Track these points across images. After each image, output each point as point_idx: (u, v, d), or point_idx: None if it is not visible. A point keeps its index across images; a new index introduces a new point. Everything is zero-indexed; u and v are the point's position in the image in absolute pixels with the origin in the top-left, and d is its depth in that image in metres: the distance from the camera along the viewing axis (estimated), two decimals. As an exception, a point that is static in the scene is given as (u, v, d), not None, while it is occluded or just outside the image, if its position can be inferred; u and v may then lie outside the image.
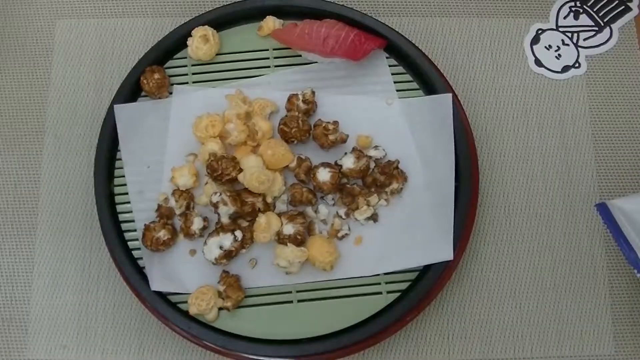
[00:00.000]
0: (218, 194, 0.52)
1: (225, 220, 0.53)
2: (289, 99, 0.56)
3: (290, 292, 0.53)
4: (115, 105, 0.56)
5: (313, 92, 0.56)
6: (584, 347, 0.56)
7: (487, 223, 0.58)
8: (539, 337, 0.56)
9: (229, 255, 0.52)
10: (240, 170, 0.53)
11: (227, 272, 0.53)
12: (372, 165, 0.55)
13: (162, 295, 0.53)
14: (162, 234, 0.53)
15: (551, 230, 0.58)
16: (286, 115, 0.56)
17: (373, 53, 0.58)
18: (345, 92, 0.58)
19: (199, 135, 0.55)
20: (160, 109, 0.57)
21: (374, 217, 0.55)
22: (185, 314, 0.52)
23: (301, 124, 0.55)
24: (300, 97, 0.56)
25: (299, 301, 0.53)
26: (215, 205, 0.52)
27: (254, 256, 0.54)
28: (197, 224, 0.53)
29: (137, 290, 0.52)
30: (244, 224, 0.54)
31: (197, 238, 0.54)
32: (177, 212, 0.54)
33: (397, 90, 0.58)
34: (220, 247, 0.52)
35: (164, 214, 0.54)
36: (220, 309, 0.52)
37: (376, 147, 0.56)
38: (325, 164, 0.54)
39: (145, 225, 0.53)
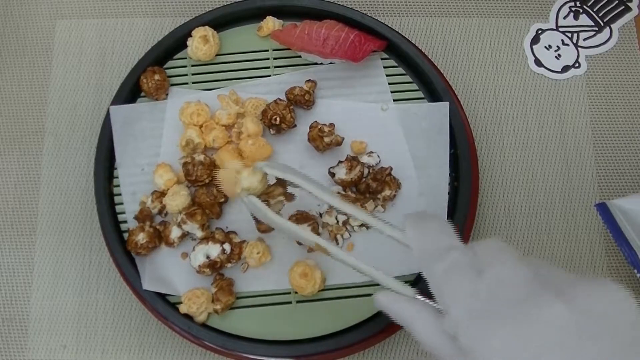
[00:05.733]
0: (177, 219, 0.53)
1: (199, 234, 0.53)
2: (290, 90, 0.57)
3: (289, 292, 0.54)
4: (110, 107, 0.56)
5: (315, 83, 0.57)
6: (583, 347, 0.56)
7: (487, 223, 0.58)
8: (538, 337, 0.56)
9: (213, 265, 0.52)
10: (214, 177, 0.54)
11: (222, 274, 0.53)
12: (366, 172, 0.55)
13: (161, 296, 0.53)
14: (141, 238, 0.53)
15: (551, 230, 0.58)
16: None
17: (370, 56, 0.58)
18: (343, 94, 0.58)
19: (183, 120, 0.56)
20: (155, 111, 0.57)
21: (366, 224, 0.54)
22: (185, 314, 0.52)
23: (285, 109, 0.55)
24: (302, 87, 0.57)
25: (297, 302, 0.53)
26: (180, 225, 0.53)
27: (246, 261, 0.54)
28: (175, 233, 0.53)
29: (137, 291, 0.52)
30: (236, 239, 0.54)
31: (178, 246, 0.54)
32: (153, 212, 0.54)
33: (397, 92, 0.58)
34: (207, 257, 0.52)
35: (141, 217, 0.54)
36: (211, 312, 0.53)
37: (370, 154, 0.55)
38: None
39: (129, 229, 0.54)
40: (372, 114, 0.57)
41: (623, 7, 0.64)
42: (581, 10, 0.64)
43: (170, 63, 0.59)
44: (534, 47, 0.63)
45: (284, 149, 0.57)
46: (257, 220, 0.48)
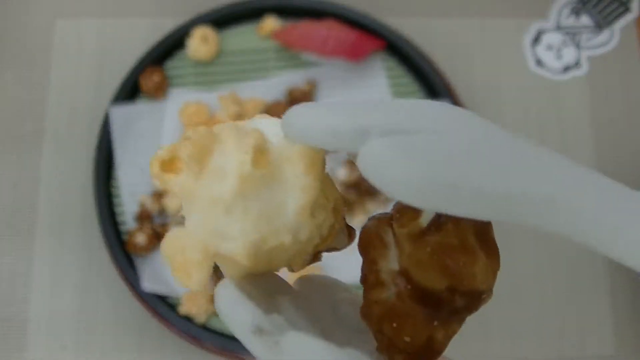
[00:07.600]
0: (177, 220, 0.53)
1: None
2: (290, 90, 0.57)
3: (290, 293, 0.53)
4: (110, 107, 0.56)
5: (315, 83, 0.57)
6: (584, 347, 0.56)
7: (487, 223, 0.58)
8: (539, 337, 0.56)
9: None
10: None
11: (222, 275, 0.53)
12: None
13: (161, 296, 0.53)
14: (140, 239, 0.53)
15: (551, 231, 0.58)
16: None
17: (370, 56, 0.57)
18: (343, 94, 0.58)
19: (183, 120, 0.56)
20: (155, 111, 0.57)
21: None
22: (185, 315, 0.52)
23: (285, 109, 0.55)
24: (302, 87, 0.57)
25: (298, 302, 0.53)
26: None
27: None
28: None
29: (137, 291, 0.52)
30: None
31: None
32: (152, 213, 0.54)
33: (397, 92, 0.58)
34: None
35: (140, 217, 0.54)
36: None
37: None
38: None
39: (128, 230, 0.54)
40: None
41: (624, 8, 0.64)
42: (582, 11, 0.64)
43: (170, 63, 0.59)
44: (534, 47, 0.63)
45: None
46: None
